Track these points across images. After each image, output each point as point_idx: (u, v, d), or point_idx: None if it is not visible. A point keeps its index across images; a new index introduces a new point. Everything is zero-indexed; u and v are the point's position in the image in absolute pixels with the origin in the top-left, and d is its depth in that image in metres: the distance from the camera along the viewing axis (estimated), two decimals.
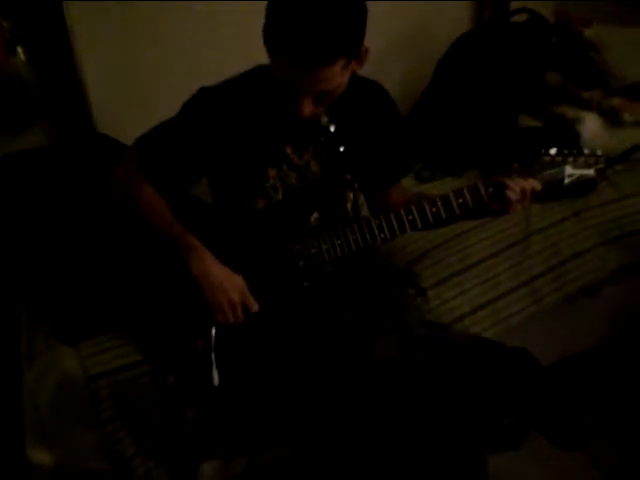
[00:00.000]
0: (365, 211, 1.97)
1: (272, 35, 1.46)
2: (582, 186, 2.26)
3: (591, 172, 1.60)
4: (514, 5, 2.85)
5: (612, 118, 2.56)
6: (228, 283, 1.63)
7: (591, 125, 2.52)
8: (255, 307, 1.65)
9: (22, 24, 2.35)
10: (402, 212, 1.60)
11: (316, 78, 1.46)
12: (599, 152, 1.61)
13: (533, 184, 1.57)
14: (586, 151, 1.60)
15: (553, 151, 1.58)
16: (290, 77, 1.49)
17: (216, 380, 1.64)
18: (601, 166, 1.60)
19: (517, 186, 1.55)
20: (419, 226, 1.60)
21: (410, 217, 1.59)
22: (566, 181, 1.60)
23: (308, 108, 1.53)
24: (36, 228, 2.09)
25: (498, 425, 1.76)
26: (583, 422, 1.72)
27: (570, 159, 1.58)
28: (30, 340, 1.99)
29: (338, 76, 1.49)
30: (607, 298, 2.34)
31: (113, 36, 2.46)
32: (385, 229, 1.61)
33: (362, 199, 1.87)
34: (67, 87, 2.47)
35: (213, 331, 1.68)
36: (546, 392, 1.67)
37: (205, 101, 1.66)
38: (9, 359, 2.10)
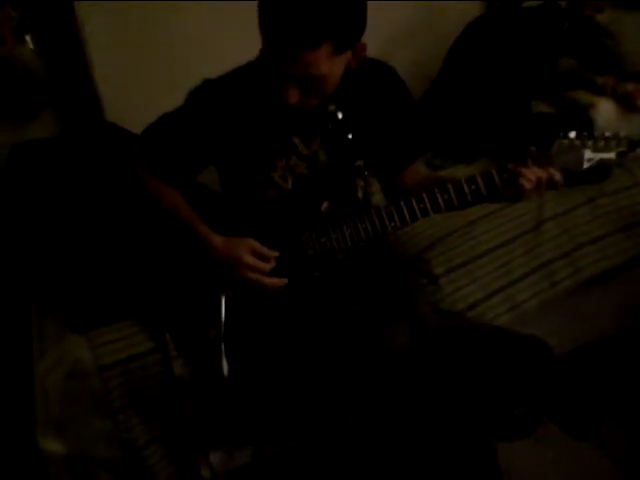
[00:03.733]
0: (377, 198, 1.95)
1: (260, 16, 1.43)
2: (597, 173, 2.26)
3: (612, 155, 1.50)
4: None
5: (626, 104, 2.53)
6: (235, 252, 1.63)
7: (605, 111, 2.50)
8: (272, 254, 1.64)
9: (30, 13, 2.35)
10: (413, 200, 1.56)
11: (298, 62, 1.42)
12: (622, 134, 1.52)
13: (550, 173, 1.50)
14: (607, 134, 1.51)
15: (572, 134, 1.51)
16: (273, 60, 1.46)
17: (226, 370, 1.64)
18: (623, 149, 1.50)
19: (533, 175, 1.49)
20: (430, 214, 1.57)
21: (421, 205, 1.55)
22: (585, 165, 1.51)
23: (293, 96, 1.50)
24: (47, 217, 2.09)
25: (511, 413, 1.75)
26: (596, 411, 1.70)
27: (590, 142, 1.50)
28: (41, 329, 2.00)
29: (324, 64, 1.44)
30: (621, 286, 2.33)
31: (121, 25, 2.45)
32: (395, 217, 1.58)
33: (374, 186, 1.84)
34: (75, 76, 2.47)
35: (223, 300, 1.67)
36: (559, 381, 1.66)
37: (209, 93, 1.64)
38: (21, 348, 2.10)
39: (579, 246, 2.21)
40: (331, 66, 1.47)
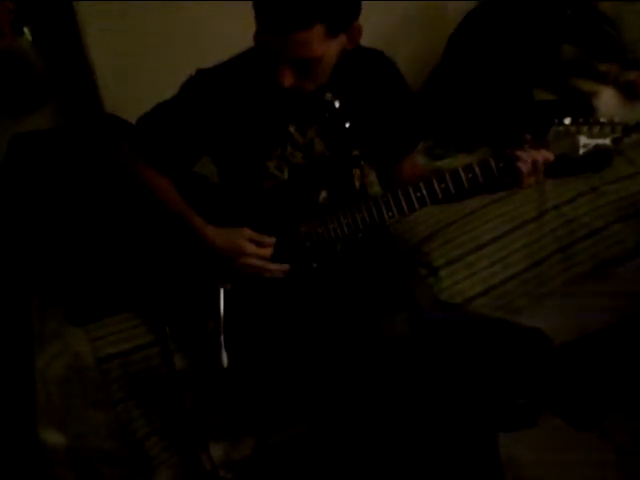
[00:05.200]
0: (376, 189, 1.95)
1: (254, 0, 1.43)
2: (597, 161, 2.25)
3: (607, 141, 1.51)
4: None
5: (628, 92, 2.51)
6: (234, 243, 1.64)
7: (607, 99, 2.48)
8: (269, 240, 1.65)
9: (28, 5, 2.34)
10: (410, 189, 1.56)
11: (291, 43, 1.41)
12: (616, 120, 1.53)
13: (545, 155, 1.51)
14: (602, 119, 1.52)
15: (567, 121, 1.52)
16: (267, 42, 1.45)
17: (225, 361, 1.64)
18: (618, 135, 1.51)
19: (528, 157, 1.50)
20: (427, 203, 1.57)
21: (418, 194, 1.55)
22: (581, 151, 1.52)
23: (288, 78, 1.48)
24: (46, 210, 2.09)
25: (512, 404, 1.75)
26: (598, 402, 1.69)
27: (585, 128, 1.51)
28: (41, 322, 2.00)
29: (317, 45, 1.43)
30: (623, 276, 2.31)
31: (119, 16, 2.43)
32: (393, 207, 1.58)
33: (371, 176, 1.84)
34: (74, 68, 2.46)
35: (221, 292, 1.66)
36: (560, 372, 1.65)
37: (203, 83, 1.63)
38: (21, 341, 2.10)
39: (578, 239, 2.19)
40: (325, 48, 1.46)
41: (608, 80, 2.56)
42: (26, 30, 2.36)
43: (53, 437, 1.87)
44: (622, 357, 2.29)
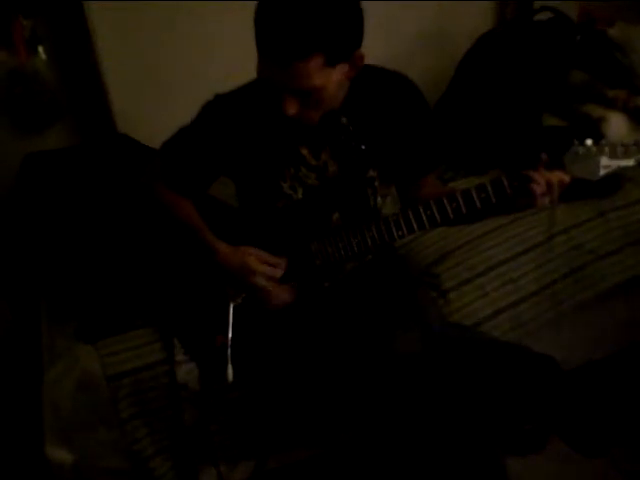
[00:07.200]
0: (388, 209, 1.94)
1: (254, 30, 1.44)
2: (607, 185, 2.25)
3: (631, 162, 1.47)
4: (537, 4, 2.82)
5: (637, 117, 2.52)
6: (243, 261, 1.65)
7: (616, 124, 2.49)
8: (279, 261, 1.66)
9: (43, 23, 2.36)
10: (420, 208, 1.55)
11: (290, 74, 1.41)
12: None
13: (560, 176, 1.49)
14: (626, 141, 1.48)
15: (589, 142, 1.48)
16: (266, 73, 1.46)
17: (230, 376, 1.63)
18: None
19: (542, 178, 1.47)
20: (438, 222, 1.55)
21: (429, 213, 1.54)
22: (602, 172, 1.48)
23: (291, 108, 1.49)
24: (58, 227, 2.09)
25: (520, 428, 1.74)
26: (606, 429, 1.68)
27: (606, 149, 1.47)
28: (51, 339, 2.00)
29: (316, 76, 1.42)
30: (631, 302, 2.30)
31: (133, 35, 2.47)
32: (403, 226, 1.57)
33: (388, 195, 1.83)
34: (88, 87, 2.48)
35: (231, 308, 1.68)
36: (569, 398, 1.64)
37: (221, 107, 1.65)
38: (30, 358, 2.10)
39: (587, 263, 2.19)
40: (325, 78, 1.45)
41: (617, 106, 2.57)
42: (40, 49, 2.38)
43: (59, 454, 1.86)
44: (632, 383, 2.27)
